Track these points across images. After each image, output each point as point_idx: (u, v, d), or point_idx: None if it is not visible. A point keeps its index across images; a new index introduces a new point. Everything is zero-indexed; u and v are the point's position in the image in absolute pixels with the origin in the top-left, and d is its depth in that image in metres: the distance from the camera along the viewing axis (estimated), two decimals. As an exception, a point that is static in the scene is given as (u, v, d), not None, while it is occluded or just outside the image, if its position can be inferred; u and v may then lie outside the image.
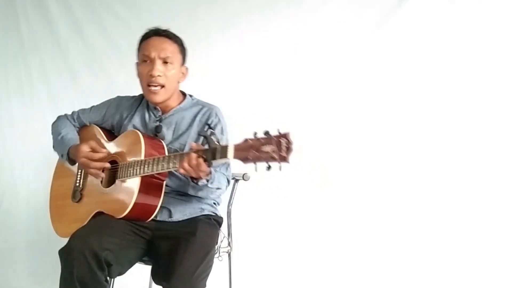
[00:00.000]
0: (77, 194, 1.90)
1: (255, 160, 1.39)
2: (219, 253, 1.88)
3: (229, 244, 1.99)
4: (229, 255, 2.00)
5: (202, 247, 1.66)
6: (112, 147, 1.88)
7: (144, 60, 1.83)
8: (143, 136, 1.78)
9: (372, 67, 2.47)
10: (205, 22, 2.64)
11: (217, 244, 1.84)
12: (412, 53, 2.42)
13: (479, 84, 2.36)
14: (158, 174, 1.71)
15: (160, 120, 1.89)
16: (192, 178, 1.65)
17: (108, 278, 1.61)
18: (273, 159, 1.36)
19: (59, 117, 2.05)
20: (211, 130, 1.55)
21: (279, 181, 2.50)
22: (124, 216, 1.70)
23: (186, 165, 1.55)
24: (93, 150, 1.82)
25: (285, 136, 1.37)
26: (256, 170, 1.40)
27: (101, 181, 1.84)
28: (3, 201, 2.91)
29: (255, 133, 1.42)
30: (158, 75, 1.80)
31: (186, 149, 1.80)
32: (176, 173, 1.78)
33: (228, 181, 1.85)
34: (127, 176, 1.73)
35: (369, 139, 2.47)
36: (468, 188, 2.36)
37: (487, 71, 2.35)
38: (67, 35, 2.82)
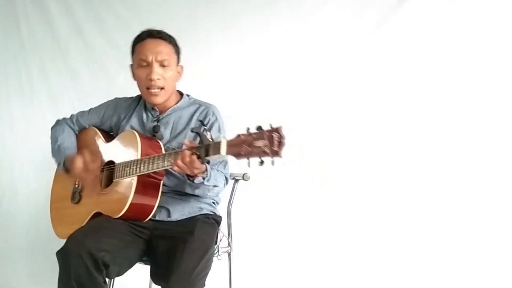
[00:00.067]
0: (76, 196, 1.91)
1: (247, 155, 1.39)
2: (219, 252, 1.88)
3: (229, 244, 1.99)
4: (229, 255, 2.00)
5: (201, 246, 1.66)
6: (109, 148, 1.89)
7: (141, 64, 1.83)
8: (139, 136, 1.78)
9: (372, 67, 2.46)
10: (205, 22, 2.64)
11: (216, 243, 1.85)
12: (412, 53, 2.42)
13: (479, 84, 2.36)
14: (154, 173, 1.71)
15: (158, 120, 1.90)
16: (188, 176, 1.66)
17: (106, 279, 1.61)
18: (265, 153, 1.36)
19: (58, 122, 2.06)
20: (204, 127, 1.55)
21: (279, 181, 2.51)
22: (121, 216, 1.70)
23: (179, 162, 1.55)
24: (86, 165, 1.81)
25: (277, 130, 1.37)
26: (249, 165, 1.40)
27: (101, 182, 1.85)
28: (3, 201, 2.91)
29: (248, 129, 1.42)
30: (157, 78, 1.81)
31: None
32: (173, 172, 1.79)
33: (227, 179, 1.85)
34: (123, 176, 1.74)
35: (369, 139, 2.46)
36: (468, 188, 2.36)
37: (487, 71, 2.35)
38: (67, 35, 2.82)
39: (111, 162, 1.84)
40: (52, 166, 2.04)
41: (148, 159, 1.68)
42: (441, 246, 2.38)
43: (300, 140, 2.48)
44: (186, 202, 1.85)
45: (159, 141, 1.83)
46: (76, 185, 1.92)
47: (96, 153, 1.89)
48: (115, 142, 1.89)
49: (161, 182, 1.77)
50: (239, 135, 1.43)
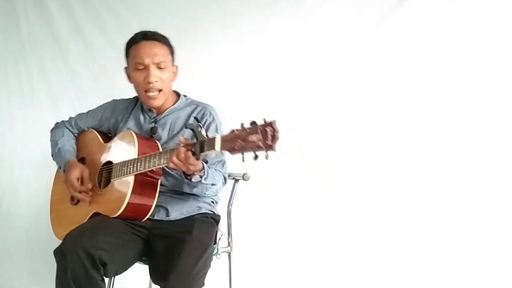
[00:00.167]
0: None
1: (242, 150, 1.39)
2: (218, 251, 1.88)
3: (229, 244, 1.99)
4: (229, 255, 2.00)
5: (199, 245, 1.66)
6: (107, 148, 1.90)
7: (138, 68, 1.82)
8: (136, 135, 1.79)
9: (372, 67, 2.46)
10: (205, 22, 2.64)
11: (215, 242, 1.84)
12: (412, 53, 2.41)
13: (479, 84, 2.35)
14: (151, 172, 1.71)
15: (155, 121, 1.90)
16: (185, 174, 1.66)
17: (104, 277, 1.61)
18: (259, 148, 1.36)
19: (57, 125, 2.07)
20: (198, 123, 1.55)
21: (279, 181, 2.51)
22: (119, 216, 1.71)
23: (175, 159, 1.56)
24: (80, 180, 1.83)
25: (270, 124, 1.37)
26: (243, 160, 1.40)
27: (100, 183, 1.86)
28: (3, 201, 2.91)
29: (242, 124, 1.42)
30: (156, 81, 1.81)
31: None
32: (171, 172, 1.80)
33: (225, 178, 1.85)
34: (121, 175, 1.74)
35: (369, 139, 2.46)
36: (468, 188, 2.35)
37: (487, 71, 2.34)
38: (67, 35, 2.82)
39: (109, 163, 1.84)
40: (52, 166, 2.05)
41: (144, 157, 1.68)
42: (441, 246, 2.38)
43: (300, 140, 2.49)
44: (185, 201, 1.85)
45: (157, 141, 1.84)
46: None
47: (97, 156, 1.90)
48: (113, 143, 1.90)
49: (159, 181, 1.77)
50: (233, 130, 1.43)
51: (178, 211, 1.83)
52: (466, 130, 2.37)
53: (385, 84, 2.45)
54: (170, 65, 1.87)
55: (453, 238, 2.37)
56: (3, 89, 2.95)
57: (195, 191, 1.77)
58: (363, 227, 2.46)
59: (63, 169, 1.91)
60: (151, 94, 1.83)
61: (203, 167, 1.66)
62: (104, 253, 1.57)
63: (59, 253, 1.58)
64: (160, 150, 1.79)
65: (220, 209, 2.00)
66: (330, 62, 2.51)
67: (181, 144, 1.56)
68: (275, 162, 2.41)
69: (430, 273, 2.38)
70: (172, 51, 1.90)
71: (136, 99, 1.98)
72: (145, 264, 1.75)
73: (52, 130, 2.06)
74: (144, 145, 1.77)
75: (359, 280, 2.43)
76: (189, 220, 1.80)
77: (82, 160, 1.98)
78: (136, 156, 1.72)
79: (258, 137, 1.36)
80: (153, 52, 1.81)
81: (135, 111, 1.96)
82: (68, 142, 1.98)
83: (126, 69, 1.91)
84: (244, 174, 1.97)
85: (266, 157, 1.36)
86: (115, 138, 1.91)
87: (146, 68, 1.81)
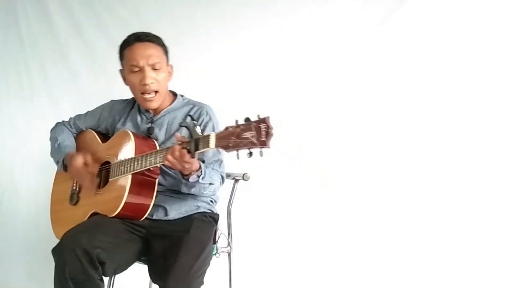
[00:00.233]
0: (74, 197, 1.92)
1: (236, 147, 1.39)
2: (217, 251, 1.88)
3: (229, 244, 1.99)
4: (229, 255, 1.99)
5: (197, 244, 1.66)
6: (105, 148, 1.90)
7: (133, 70, 1.82)
8: (133, 135, 1.79)
9: (374, 65, 2.45)
10: (205, 22, 2.64)
11: (213, 241, 1.84)
12: (416, 49, 2.39)
13: (480, 83, 2.34)
14: (149, 171, 1.72)
15: (152, 122, 1.90)
16: (182, 174, 1.66)
17: (103, 277, 1.61)
18: (253, 144, 1.36)
19: (57, 125, 2.08)
20: (193, 121, 1.55)
21: (279, 181, 2.51)
22: (116, 215, 1.71)
23: (169, 157, 1.56)
24: (85, 163, 1.82)
25: (264, 121, 1.37)
26: (238, 157, 1.40)
27: (99, 183, 1.86)
28: (3, 201, 2.91)
29: (236, 121, 1.42)
30: (151, 83, 1.81)
31: None
32: (169, 171, 1.80)
33: (223, 178, 1.85)
34: (119, 175, 1.74)
35: (370, 138, 2.46)
36: (468, 188, 2.35)
37: (488, 70, 2.33)
38: (67, 35, 2.82)
39: (107, 163, 1.85)
40: (52, 166, 2.05)
41: (141, 156, 1.69)
42: (441, 245, 2.37)
43: (300, 140, 2.48)
44: (184, 200, 1.85)
45: (155, 141, 1.84)
46: (74, 187, 1.93)
47: (96, 156, 1.89)
48: (110, 142, 1.91)
49: (156, 180, 1.77)
50: (227, 128, 1.43)
51: (176, 211, 1.83)
52: (467, 129, 2.36)
53: (386, 82, 2.45)
54: (165, 66, 1.86)
55: (453, 238, 2.36)
56: (3, 89, 2.95)
57: (193, 191, 1.76)
58: (363, 227, 2.45)
59: (63, 164, 1.90)
60: (147, 96, 1.82)
61: (200, 167, 1.66)
62: (102, 252, 1.57)
63: (57, 251, 1.58)
64: (158, 148, 1.79)
65: (220, 209, 1.99)
66: (332, 60, 2.50)
67: (177, 141, 1.56)
68: (275, 162, 2.44)
69: (430, 273, 2.37)
70: (166, 51, 1.89)
71: (134, 100, 1.98)
72: (144, 264, 1.75)
73: (52, 129, 2.06)
74: (142, 144, 1.78)
75: (359, 280, 2.43)
76: (188, 220, 1.80)
77: None
78: (133, 156, 1.73)
79: (252, 134, 1.36)
80: (147, 54, 1.80)
81: (132, 112, 1.96)
82: (68, 139, 1.99)
83: (121, 71, 1.91)
84: (244, 174, 1.97)
85: (261, 154, 1.36)
86: (113, 138, 1.91)
87: (141, 70, 1.80)
